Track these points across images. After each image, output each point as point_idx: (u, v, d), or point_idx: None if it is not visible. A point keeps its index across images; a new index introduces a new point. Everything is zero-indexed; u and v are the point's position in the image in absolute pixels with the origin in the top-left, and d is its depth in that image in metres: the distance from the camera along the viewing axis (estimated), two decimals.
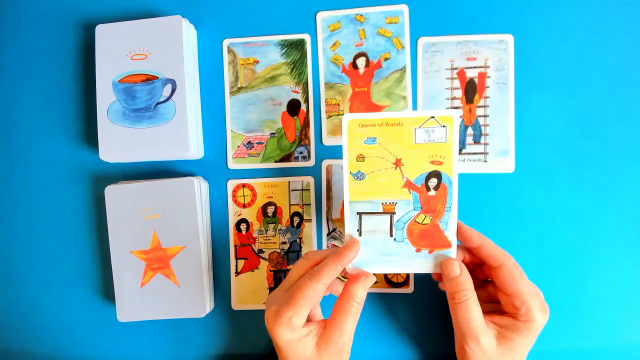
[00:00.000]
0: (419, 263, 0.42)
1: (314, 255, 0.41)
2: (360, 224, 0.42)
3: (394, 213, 0.41)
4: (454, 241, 0.41)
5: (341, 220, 0.50)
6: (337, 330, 0.39)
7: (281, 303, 0.39)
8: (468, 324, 0.39)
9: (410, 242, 0.42)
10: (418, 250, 0.42)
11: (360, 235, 0.42)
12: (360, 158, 0.41)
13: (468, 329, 0.39)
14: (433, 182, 0.41)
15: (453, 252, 0.41)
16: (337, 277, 0.46)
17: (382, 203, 0.41)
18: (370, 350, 0.50)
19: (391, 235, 0.42)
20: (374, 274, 0.41)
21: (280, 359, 0.41)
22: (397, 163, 0.41)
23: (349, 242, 0.41)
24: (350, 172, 0.41)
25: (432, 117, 0.40)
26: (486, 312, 0.41)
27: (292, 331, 0.38)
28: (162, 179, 0.49)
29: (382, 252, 0.42)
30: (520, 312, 0.40)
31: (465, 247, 0.42)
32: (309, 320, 0.41)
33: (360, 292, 0.40)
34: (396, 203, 0.41)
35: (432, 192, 0.41)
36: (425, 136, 0.40)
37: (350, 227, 0.42)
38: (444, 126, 0.40)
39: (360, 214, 0.42)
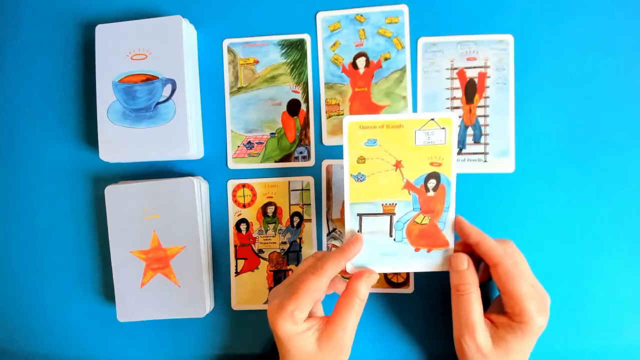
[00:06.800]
0: (418, 262, 0.42)
1: (323, 255, 0.41)
2: (360, 225, 0.42)
3: (394, 214, 0.42)
4: (451, 240, 0.42)
5: (341, 220, 0.50)
6: (340, 326, 0.39)
7: (284, 296, 0.39)
8: (467, 317, 0.40)
9: (410, 242, 0.42)
10: (417, 250, 0.42)
11: None
12: (361, 160, 0.41)
13: (467, 322, 0.40)
14: (432, 183, 0.41)
15: (450, 251, 0.42)
16: (342, 277, 0.46)
17: (382, 204, 0.42)
18: (370, 350, 0.50)
19: (391, 236, 0.42)
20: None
21: (281, 354, 0.41)
22: (398, 165, 0.41)
23: (352, 238, 0.41)
24: (351, 174, 0.41)
25: (432, 119, 0.40)
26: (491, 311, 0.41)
27: (294, 324, 0.39)
28: (162, 179, 0.49)
29: (382, 252, 0.42)
30: (515, 313, 0.39)
31: (464, 243, 0.42)
32: (310, 316, 0.41)
33: (364, 289, 0.40)
34: (396, 204, 0.41)
35: (431, 193, 0.41)
36: (425, 138, 0.40)
37: (350, 227, 0.42)
38: (443, 128, 0.40)
39: (360, 215, 0.42)
